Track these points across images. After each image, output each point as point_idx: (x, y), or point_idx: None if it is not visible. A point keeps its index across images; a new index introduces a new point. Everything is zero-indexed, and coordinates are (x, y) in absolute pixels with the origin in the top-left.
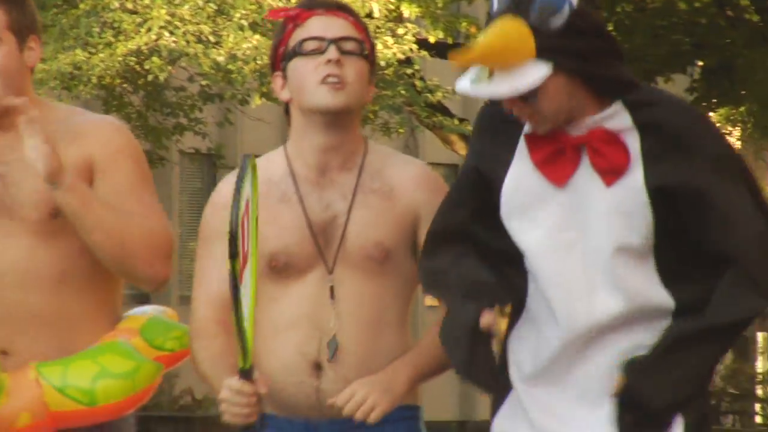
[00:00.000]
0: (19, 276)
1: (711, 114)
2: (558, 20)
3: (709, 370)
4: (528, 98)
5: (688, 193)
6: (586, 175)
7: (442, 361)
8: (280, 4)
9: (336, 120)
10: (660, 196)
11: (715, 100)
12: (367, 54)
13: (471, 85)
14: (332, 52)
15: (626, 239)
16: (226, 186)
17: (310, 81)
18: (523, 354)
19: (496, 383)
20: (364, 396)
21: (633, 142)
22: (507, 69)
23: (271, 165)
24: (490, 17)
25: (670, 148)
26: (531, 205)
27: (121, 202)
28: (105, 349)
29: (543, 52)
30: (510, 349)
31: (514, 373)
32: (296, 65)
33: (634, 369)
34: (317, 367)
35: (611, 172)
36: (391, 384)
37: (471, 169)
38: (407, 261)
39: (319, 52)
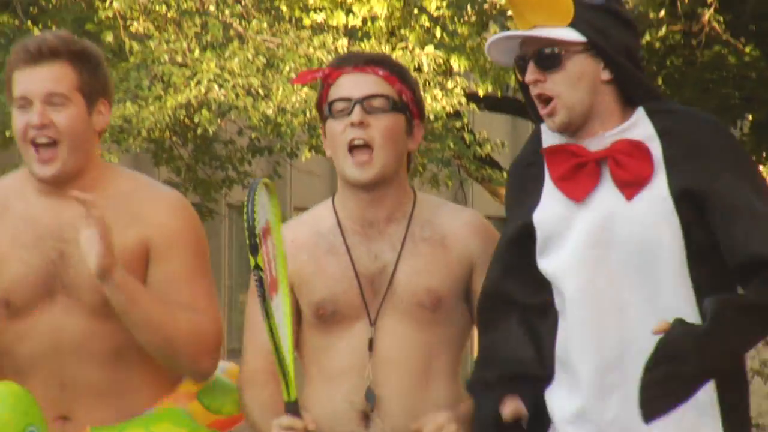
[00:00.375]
0: (75, 351)
1: (760, 167)
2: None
3: (744, 348)
4: (552, 66)
5: (710, 196)
6: (608, 191)
7: None
8: (330, 57)
9: (372, 185)
10: (684, 200)
11: (764, 154)
12: (401, 106)
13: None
14: (356, 114)
15: (655, 252)
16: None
17: (339, 146)
18: (560, 399)
19: None
20: (454, 430)
21: (655, 150)
22: (542, 26)
23: (319, 217)
24: None
25: (690, 154)
26: (559, 231)
27: (174, 292)
28: (160, 417)
29: (578, 22)
30: (548, 398)
31: (556, 421)
32: (330, 126)
33: (681, 326)
34: (365, 416)
35: (633, 184)
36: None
37: (508, 226)
38: (459, 308)
39: (346, 113)
